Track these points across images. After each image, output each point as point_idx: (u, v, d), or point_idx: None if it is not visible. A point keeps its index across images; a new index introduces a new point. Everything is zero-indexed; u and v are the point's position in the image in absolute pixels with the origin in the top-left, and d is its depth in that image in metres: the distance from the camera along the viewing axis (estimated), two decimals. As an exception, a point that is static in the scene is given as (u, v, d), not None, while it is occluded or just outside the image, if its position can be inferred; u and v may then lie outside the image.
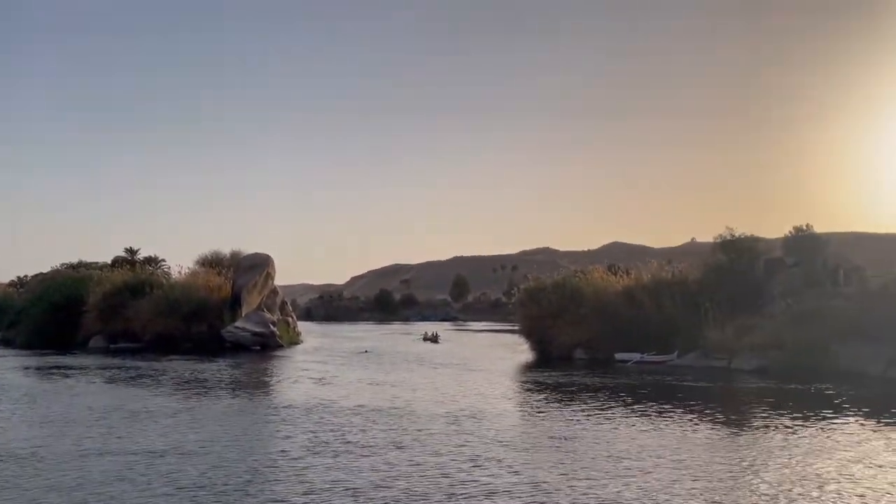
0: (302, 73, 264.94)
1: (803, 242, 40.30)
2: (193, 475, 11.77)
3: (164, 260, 67.78)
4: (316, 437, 15.07)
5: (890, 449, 13.73)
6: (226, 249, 52.47)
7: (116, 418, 17.70)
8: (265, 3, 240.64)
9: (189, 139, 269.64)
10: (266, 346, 43.08)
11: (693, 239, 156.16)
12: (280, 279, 52.12)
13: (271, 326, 44.45)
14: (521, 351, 40.40)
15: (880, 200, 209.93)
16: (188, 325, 43.47)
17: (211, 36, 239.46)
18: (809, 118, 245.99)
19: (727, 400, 22.23)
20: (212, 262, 50.44)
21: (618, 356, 33.59)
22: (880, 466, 12.30)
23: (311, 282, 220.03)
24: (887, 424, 16.40)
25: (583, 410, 18.84)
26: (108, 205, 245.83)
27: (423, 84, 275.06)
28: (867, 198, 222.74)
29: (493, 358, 38.14)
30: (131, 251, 72.83)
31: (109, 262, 64.21)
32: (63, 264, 61.61)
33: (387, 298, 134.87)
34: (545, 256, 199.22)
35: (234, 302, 44.24)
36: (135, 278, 48.38)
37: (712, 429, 16.19)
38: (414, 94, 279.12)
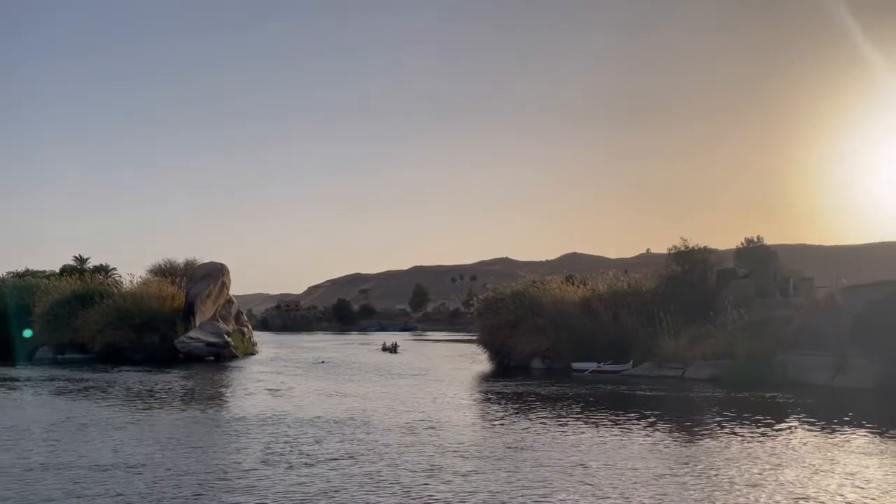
0: (255, 83, 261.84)
1: (754, 254, 41.34)
2: (141, 488, 11.48)
3: (114, 269, 66.15)
4: (269, 448, 14.83)
5: (825, 456, 14.10)
6: (180, 258, 51.64)
7: (63, 431, 17.18)
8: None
9: (142, 143, 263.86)
10: (220, 356, 42.30)
11: (648, 250, 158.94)
12: (236, 288, 51.49)
13: (226, 336, 43.71)
14: (479, 361, 40.47)
15: (828, 214, 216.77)
16: (139, 335, 42.44)
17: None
18: (762, 136, 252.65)
19: (679, 409, 22.55)
20: (165, 271, 49.46)
21: (575, 366, 33.89)
22: (821, 472, 12.61)
23: (267, 291, 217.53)
24: (826, 433, 16.82)
25: (539, 420, 18.93)
26: (57, 211, 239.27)
27: (382, 92, 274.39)
28: (816, 211, 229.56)
29: (451, 368, 38.12)
30: (81, 259, 71.04)
31: (57, 270, 62.47)
32: (9, 272, 59.68)
33: (345, 308, 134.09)
34: (504, 266, 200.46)
35: (188, 312, 43.40)
36: (84, 287, 47.12)
37: (664, 438, 16.41)
38: (376, 102, 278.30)
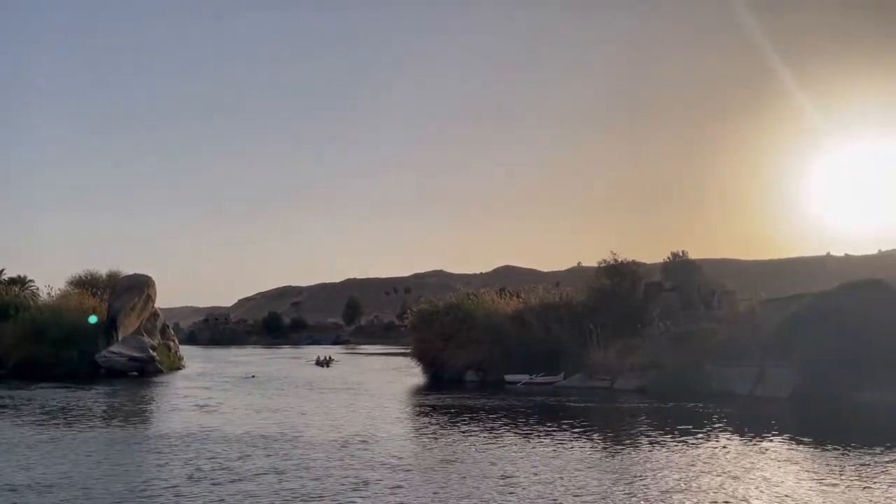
0: (181, 83, 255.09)
1: (680, 268, 42.66)
2: (54, 511, 10.94)
3: (31, 281, 63.22)
4: (193, 465, 14.36)
5: (741, 463, 14.60)
6: (102, 269, 49.79)
7: (-31, 452, 16.22)
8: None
9: (60, 147, 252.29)
10: (144, 371, 40.90)
11: (579, 263, 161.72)
12: (162, 301, 49.95)
13: (150, 351, 42.28)
14: (413, 374, 40.35)
15: (749, 229, 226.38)
16: (57, 350, 40.64)
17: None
18: (690, 152, 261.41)
19: (608, 420, 23.01)
20: (86, 283, 47.56)
21: (507, 378, 34.15)
22: (737, 478, 13.05)
23: (196, 304, 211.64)
24: (744, 441, 17.41)
25: (471, 432, 18.97)
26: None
27: (317, 95, 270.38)
28: (737, 226, 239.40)
29: (384, 381, 37.89)
30: (-5, 271, 67.50)
31: (-31, 282, 59.26)
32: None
33: (276, 321, 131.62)
34: (438, 279, 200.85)
35: (110, 325, 41.82)
36: (-3, 300, 44.93)
37: (592, 448, 16.70)
38: (301, 105, 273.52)
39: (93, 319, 41.54)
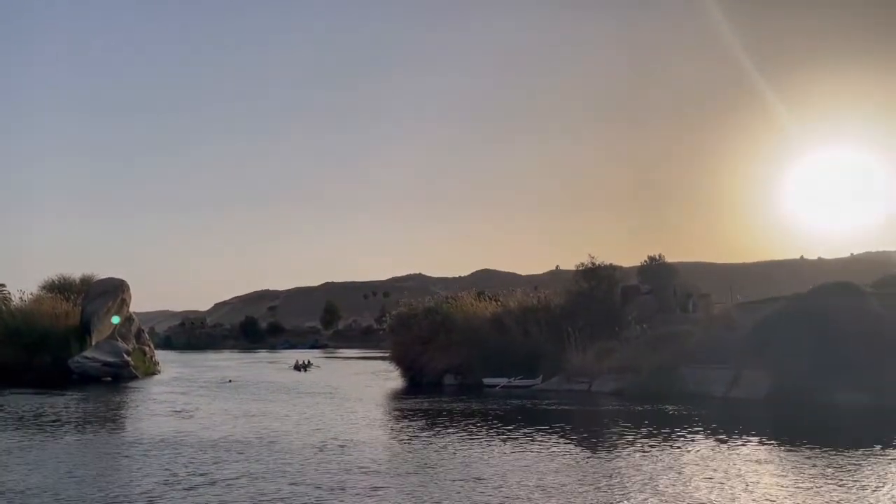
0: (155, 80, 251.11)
1: (656, 271, 42.92)
2: (24, 519, 10.74)
3: (3, 285, 62.18)
4: (167, 471, 14.20)
5: (713, 464, 14.76)
6: (76, 273, 49.12)
7: (-63, 459, 15.89)
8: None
9: (33, 146, 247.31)
10: (119, 377, 40.36)
11: (557, 266, 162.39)
12: (137, 305, 49.42)
13: (125, 356, 41.75)
14: (391, 378, 40.23)
15: (725, 233, 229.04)
16: (30, 355, 40.03)
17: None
18: (667, 156, 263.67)
19: (585, 422, 23.10)
20: (59, 287, 46.88)
21: (486, 381, 34.17)
22: (708, 479, 13.16)
23: (171, 308, 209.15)
24: (717, 442, 17.57)
25: (449, 436, 18.96)
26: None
27: (306, 97, 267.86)
28: (713, 230, 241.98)
29: (362, 385, 37.76)
30: (-34, 275, 66.28)
31: (-61, 286, 58.12)
32: None
33: (253, 326, 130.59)
34: (417, 282, 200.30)
35: (84, 330, 41.25)
36: (-32, 304, 44.11)
37: (568, 450, 16.75)
38: (287, 107, 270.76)
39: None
